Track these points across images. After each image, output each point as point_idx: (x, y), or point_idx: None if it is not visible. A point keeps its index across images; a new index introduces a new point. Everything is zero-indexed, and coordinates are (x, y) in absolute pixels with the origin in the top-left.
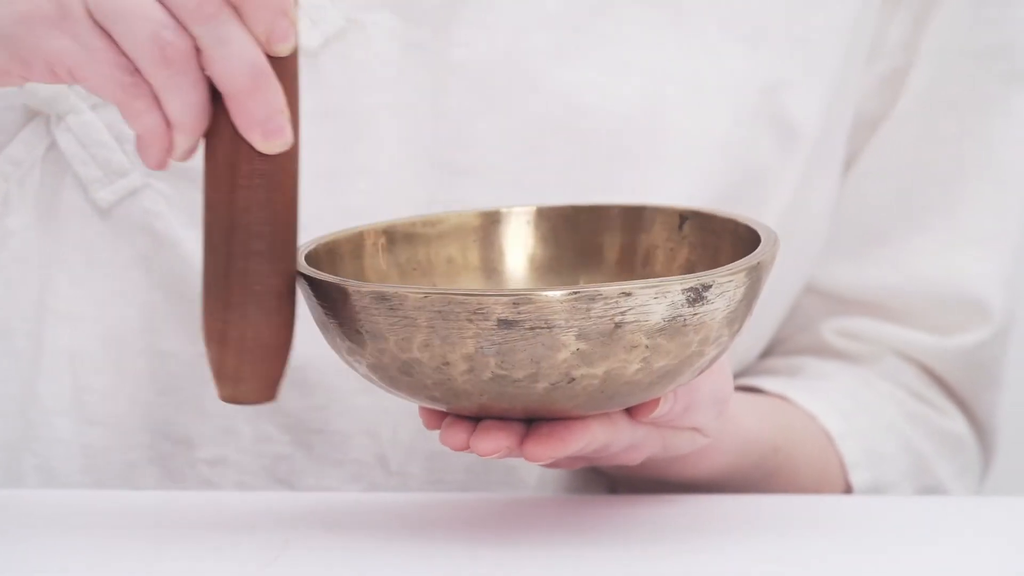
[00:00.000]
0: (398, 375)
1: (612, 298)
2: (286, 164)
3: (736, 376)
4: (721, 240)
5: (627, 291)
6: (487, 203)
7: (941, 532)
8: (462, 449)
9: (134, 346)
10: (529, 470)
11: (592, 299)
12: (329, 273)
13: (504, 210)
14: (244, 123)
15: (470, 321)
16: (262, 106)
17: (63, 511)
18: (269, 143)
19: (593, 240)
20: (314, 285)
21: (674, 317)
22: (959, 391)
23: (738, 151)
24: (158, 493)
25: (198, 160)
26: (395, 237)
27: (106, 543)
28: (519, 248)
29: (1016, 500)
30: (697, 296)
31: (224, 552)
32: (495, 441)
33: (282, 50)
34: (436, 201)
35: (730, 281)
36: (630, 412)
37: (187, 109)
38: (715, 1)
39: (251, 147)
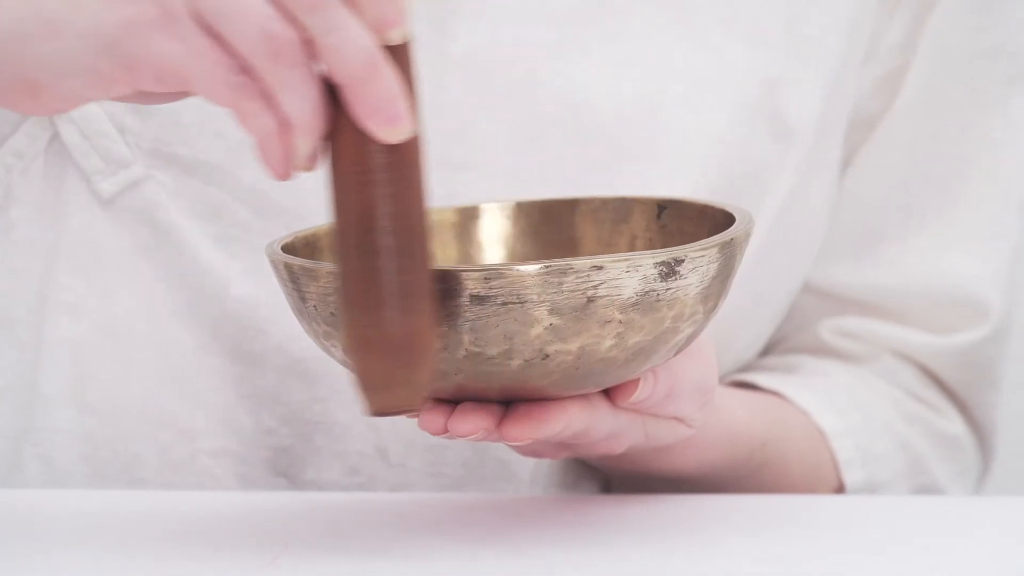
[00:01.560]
0: None
1: (584, 272)
2: (410, 155)
3: (734, 373)
4: (699, 228)
5: (599, 265)
6: (485, 197)
7: (939, 532)
8: (440, 433)
9: (136, 337)
10: (522, 464)
11: (564, 273)
12: None
13: (483, 205)
14: (363, 112)
15: (443, 298)
16: (380, 92)
17: (61, 511)
18: (390, 131)
19: (572, 233)
20: (288, 270)
21: (647, 292)
22: (957, 391)
23: (737, 148)
24: (157, 493)
25: (200, 151)
26: None
27: (104, 544)
28: (498, 243)
29: (1015, 500)
30: (670, 271)
31: (223, 552)
32: (473, 422)
33: (394, 37)
34: (435, 195)
35: (702, 256)
36: (610, 396)
37: (302, 105)
38: (716, 0)
39: (373, 142)
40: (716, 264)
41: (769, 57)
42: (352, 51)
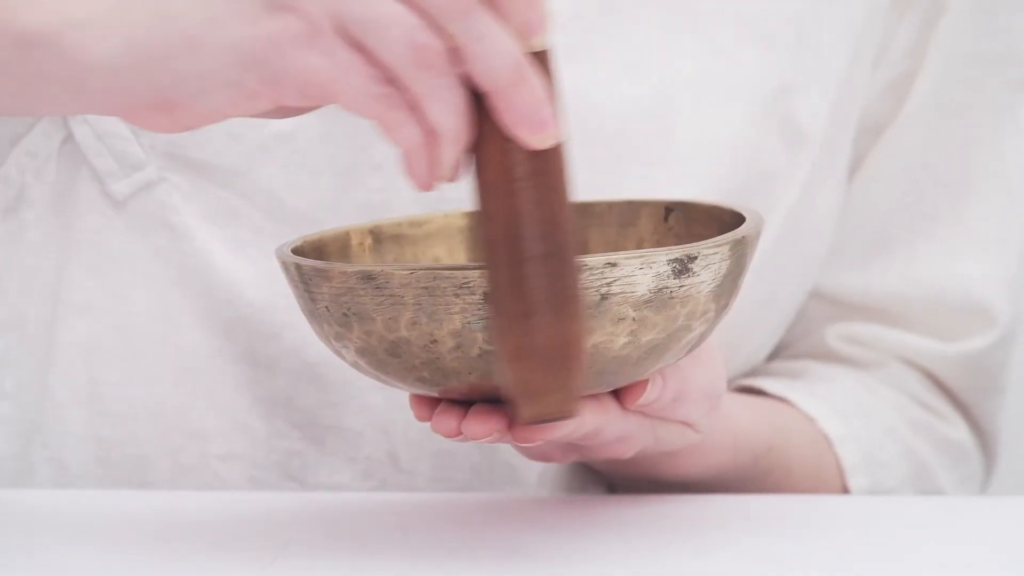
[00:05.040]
0: (386, 357)
1: (597, 269)
2: (556, 161)
3: (741, 378)
4: (707, 229)
5: (612, 262)
6: None
7: (940, 532)
8: (453, 435)
9: (148, 339)
10: (530, 469)
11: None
12: None
13: None
14: (511, 119)
15: (456, 296)
16: (527, 99)
17: (65, 510)
18: (538, 137)
19: (580, 236)
20: (299, 272)
21: (660, 289)
22: (963, 397)
23: (746, 154)
24: (159, 493)
25: (215, 154)
26: (381, 237)
27: (106, 543)
28: None
29: (1017, 500)
30: (683, 268)
31: (224, 552)
32: (486, 425)
33: (537, 43)
34: (445, 199)
35: (715, 253)
36: (620, 399)
37: (449, 114)
38: (726, 4)
39: (521, 148)
40: (728, 262)
41: (778, 62)
42: (500, 59)
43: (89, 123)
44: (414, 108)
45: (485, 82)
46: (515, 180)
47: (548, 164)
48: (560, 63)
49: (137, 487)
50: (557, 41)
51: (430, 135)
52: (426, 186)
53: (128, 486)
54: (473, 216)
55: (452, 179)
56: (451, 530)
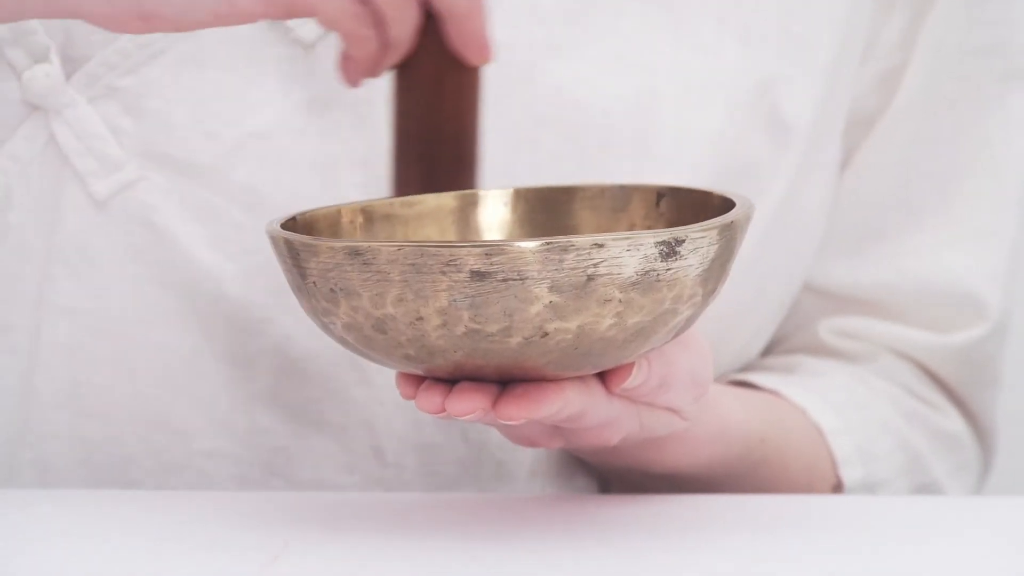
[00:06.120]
0: (373, 333)
1: (585, 249)
2: (480, 77)
3: (733, 373)
4: (698, 216)
5: (600, 243)
6: None
7: (938, 532)
8: (438, 412)
9: (131, 339)
10: (519, 463)
11: (564, 250)
12: None
13: (482, 192)
14: (461, 41)
15: (443, 274)
16: (477, 26)
17: (62, 510)
18: (480, 57)
19: (571, 220)
20: (288, 246)
21: (647, 271)
22: (956, 389)
23: (731, 147)
24: (157, 492)
25: (192, 152)
26: (373, 216)
27: (104, 543)
28: (497, 229)
29: (1014, 500)
30: (670, 251)
31: (223, 552)
32: (470, 402)
33: None
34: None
35: (703, 237)
36: (605, 382)
37: (407, 32)
38: None
39: (452, 64)
40: (716, 246)
41: (762, 55)
42: None
43: (70, 124)
44: (378, 25)
45: (444, 10)
46: (447, 88)
47: (476, 78)
48: (544, 58)
49: (122, 487)
50: (541, 37)
51: (384, 48)
52: (357, 85)
53: (112, 486)
54: (393, 108)
55: (377, 77)
56: (448, 529)
